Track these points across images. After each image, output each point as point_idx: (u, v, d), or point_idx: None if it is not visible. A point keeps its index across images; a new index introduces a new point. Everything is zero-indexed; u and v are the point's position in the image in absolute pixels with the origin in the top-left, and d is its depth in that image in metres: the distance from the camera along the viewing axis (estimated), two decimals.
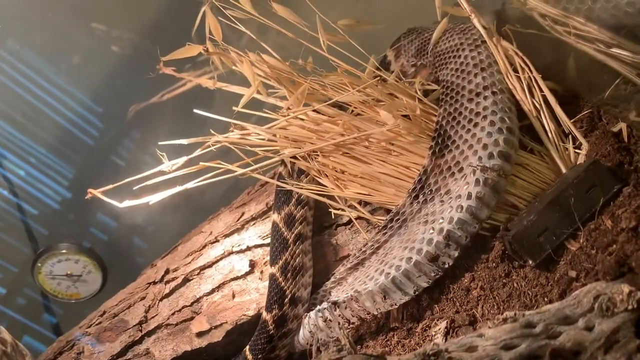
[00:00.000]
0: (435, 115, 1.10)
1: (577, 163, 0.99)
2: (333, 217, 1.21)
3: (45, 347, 1.97)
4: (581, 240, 0.85)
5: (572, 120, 1.04)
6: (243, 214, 1.35)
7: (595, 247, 0.82)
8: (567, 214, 0.87)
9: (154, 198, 1.18)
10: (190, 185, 1.17)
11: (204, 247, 1.36)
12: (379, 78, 1.12)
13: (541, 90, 1.05)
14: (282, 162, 1.18)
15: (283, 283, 1.09)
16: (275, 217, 1.17)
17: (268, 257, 1.22)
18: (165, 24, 2.01)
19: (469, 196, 0.97)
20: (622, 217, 0.82)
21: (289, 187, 1.16)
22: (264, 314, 1.12)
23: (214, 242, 1.35)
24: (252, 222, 1.32)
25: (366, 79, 1.14)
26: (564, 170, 0.99)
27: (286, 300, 1.09)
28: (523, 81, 1.07)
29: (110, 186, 1.25)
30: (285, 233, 1.13)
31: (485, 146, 0.99)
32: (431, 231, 1.00)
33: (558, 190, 0.89)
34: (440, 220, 0.99)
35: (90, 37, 2.08)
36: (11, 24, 1.90)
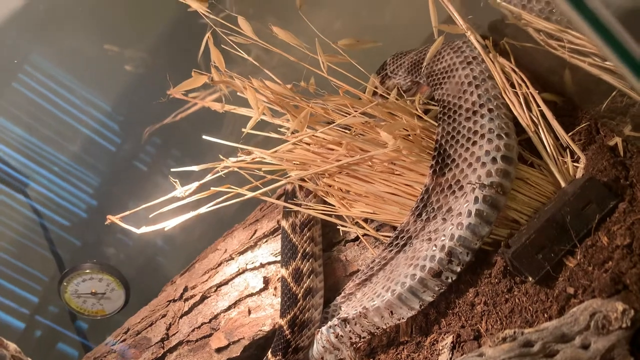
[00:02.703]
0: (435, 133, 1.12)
1: (576, 177, 1.01)
2: (341, 234, 1.25)
3: (77, 353, 2.06)
4: (578, 257, 0.87)
5: (570, 134, 1.06)
6: (255, 231, 1.39)
7: (592, 264, 0.85)
8: (565, 231, 0.89)
9: (169, 224, 1.23)
10: (203, 210, 1.21)
11: (219, 264, 1.41)
12: (376, 102, 1.15)
13: (538, 105, 1.07)
14: (286, 214, 1.23)
15: (290, 336, 1.14)
16: (283, 272, 1.21)
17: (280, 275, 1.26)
18: (176, 41, 2.07)
19: (469, 214, 1.00)
20: (617, 234, 0.84)
21: (298, 209, 1.20)
22: (269, 355, 1.17)
23: (228, 260, 1.40)
24: (265, 240, 1.37)
25: (366, 99, 1.18)
26: (563, 184, 1.01)
27: (290, 349, 1.15)
28: (520, 96, 1.08)
29: (127, 212, 1.30)
30: (294, 288, 1.17)
31: (483, 164, 1.02)
32: (434, 248, 1.03)
33: (555, 207, 0.91)
34: (442, 238, 1.02)
35: (105, 58, 2.15)
36: (33, 41, 1.99)
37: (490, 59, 1.12)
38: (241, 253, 1.38)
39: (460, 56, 1.18)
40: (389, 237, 1.15)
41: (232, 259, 1.39)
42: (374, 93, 1.29)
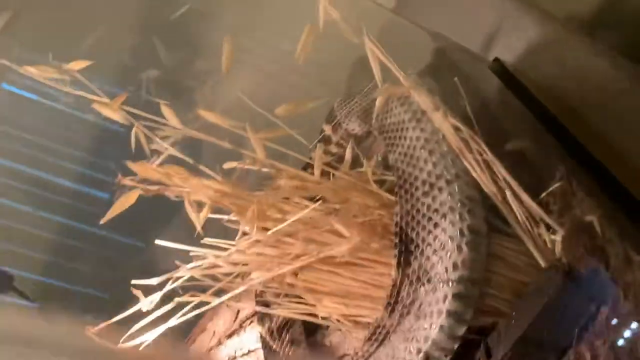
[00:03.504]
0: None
1: (555, 251, 0.89)
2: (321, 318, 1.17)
3: None
4: None
5: (543, 195, 0.93)
6: (239, 312, 1.34)
7: None
8: (543, 344, 0.79)
9: (146, 339, 1.17)
10: (172, 323, 1.15)
11: (210, 350, 1.37)
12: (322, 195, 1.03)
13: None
14: (260, 318, 1.15)
15: None
16: None
17: None
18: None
19: (440, 313, 0.90)
20: (601, 353, 0.73)
21: (270, 311, 1.13)
22: None
23: (218, 345, 1.36)
24: (249, 321, 1.31)
25: (314, 182, 1.06)
26: (542, 263, 0.89)
27: None
28: (480, 161, 0.95)
29: (104, 324, 1.25)
30: None
31: (448, 254, 0.91)
32: (411, 351, 0.94)
33: (529, 317, 0.81)
34: (418, 339, 0.94)
35: None
36: None
37: (440, 117, 0.98)
38: (228, 337, 1.34)
39: (408, 111, 1.04)
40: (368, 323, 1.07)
41: (221, 343, 1.35)
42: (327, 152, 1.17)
